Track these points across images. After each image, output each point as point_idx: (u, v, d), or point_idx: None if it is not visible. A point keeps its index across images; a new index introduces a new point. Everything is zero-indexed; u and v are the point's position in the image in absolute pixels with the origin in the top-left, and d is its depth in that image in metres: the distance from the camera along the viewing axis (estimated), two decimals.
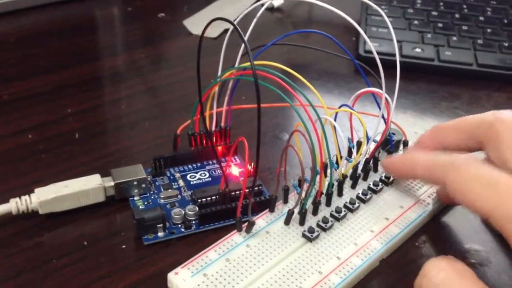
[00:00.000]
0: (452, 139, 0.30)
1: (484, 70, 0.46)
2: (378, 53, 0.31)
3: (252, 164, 0.31)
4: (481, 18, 0.52)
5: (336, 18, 0.30)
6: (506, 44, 0.48)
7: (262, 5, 0.32)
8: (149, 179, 0.33)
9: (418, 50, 0.47)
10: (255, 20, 0.31)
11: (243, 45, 0.31)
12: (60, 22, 0.51)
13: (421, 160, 0.30)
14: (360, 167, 0.32)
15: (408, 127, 0.35)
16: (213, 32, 0.50)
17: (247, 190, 0.28)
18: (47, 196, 0.30)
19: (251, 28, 0.31)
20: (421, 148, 0.32)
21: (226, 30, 0.50)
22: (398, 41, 0.48)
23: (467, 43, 0.48)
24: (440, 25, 0.50)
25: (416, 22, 0.51)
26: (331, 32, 0.33)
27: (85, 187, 0.30)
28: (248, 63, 0.27)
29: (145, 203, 0.32)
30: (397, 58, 0.31)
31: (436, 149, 0.31)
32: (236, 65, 0.31)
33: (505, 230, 0.24)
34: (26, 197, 0.30)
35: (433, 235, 0.31)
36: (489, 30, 0.50)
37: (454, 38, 0.49)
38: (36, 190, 0.30)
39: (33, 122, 0.38)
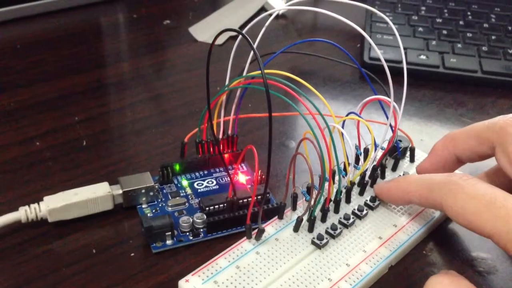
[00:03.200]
0: (464, 146, 0.30)
1: (489, 77, 0.46)
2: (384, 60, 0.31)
3: (260, 172, 0.32)
4: (486, 25, 0.52)
5: (340, 25, 0.30)
6: (510, 51, 0.48)
7: (270, 15, 0.32)
8: (157, 187, 0.33)
9: (423, 57, 0.47)
10: (263, 30, 0.31)
11: (251, 53, 0.31)
12: (66, 29, 0.52)
13: (414, 186, 0.29)
14: (368, 174, 0.32)
15: (414, 134, 0.36)
16: (219, 39, 0.50)
17: (256, 198, 0.29)
18: (56, 204, 0.30)
19: (259, 37, 0.31)
20: (434, 157, 0.31)
21: (231, 37, 0.50)
22: (403, 48, 0.48)
23: (471, 50, 0.48)
24: (444, 32, 0.51)
25: (420, 29, 0.51)
26: (335, 39, 0.33)
27: (94, 195, 0.31)
28: (257, 72, 0.27)
29: (153, 211, 0.32)
30: (404, 65, 0.31)
31: (449, 157, 0.31)
32: (245, 73, 0.32)
33: (509, 250, 0.24)
34: (35, 205, 0.30)
35: (440, 242, 0.31)
36: (493, 37, 0.50)
37: (459, 45, 0.49)
38: (45, 198, 0.30)
39: (41, 129, 0.38)
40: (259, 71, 0.26)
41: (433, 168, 0.31)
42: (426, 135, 0.40)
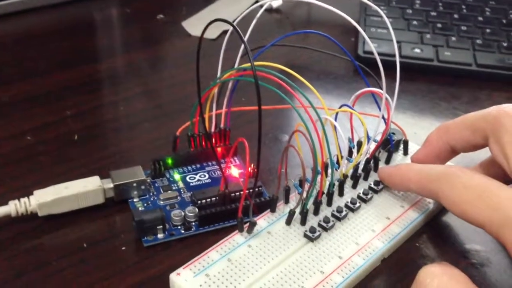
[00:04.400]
0: (458, 136, 0.30)
1: (483, 70, 0.46)
2: (377, 53, 0.31)
3: (252, 165, 0.31)
4: (480, 19, 0.52)
5: (334, 19, 0.30)
6: (505, 44, 0.48)
7: (261, 6, 0.32)
8: (148, 180, 0.33)
9: (417, 50, 0.47)
10: (254, 21, 0.31)
11: (242, 46, 0.31)
12: (59, 24, 0.51)
13: (414, 175, 0.30)
14: (361, 167, 0.32)
15: (407, 127, 0.35)
16: (212, 33, 0.50)
17: (247, 191, 0.28)
18: (46, 198, 0.30)
19: (250, 28, 0.31)
20: (429, 147, 0.32)
21: (224, 32, 0.50)
22: (397, 42, 0.48)
23: (466, 44, 0.48)
24: (439, 25, 0.51)
25: (415, 22, 0.51)
26: (330, 33, 0.33)
27: (84, 189, 0.30)
28: (248, 64, 0.27)
29: (145, 204, 0.31)
30: (397, 58, 0.31)
31: (443, 147, 0.31)
32: (236, 66, 0.31)
33: (501, 237, 0.24)
34: (25, 199, 0.30)
35: (434, 235, 0.31)
36: (488, 30, 0.50)
37: (453, 38, 0.49)
38: (35, 192, 0.30)
39: (32, 124, 0.38)
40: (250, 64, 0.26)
41: (427, 158, 0.32)
42: (420, 128, 0.40)
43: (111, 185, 0.31)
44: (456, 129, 0.30)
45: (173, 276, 0.26)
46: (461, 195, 0.26)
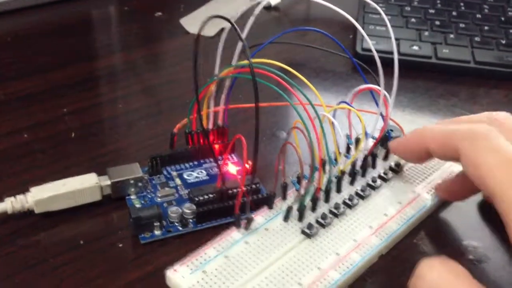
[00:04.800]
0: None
1: (482, 68, 0.46)
2: (376, 51, 0.31)
3: (250, 162, 0.31)
4: (478, 16, 0.52)
5: (333, 17, 0.30)
6: (503, 42, 0.48)
7: (260, 3, 0.32)
8: (146, 177, 0.33)
9: (415, 48, 0.47)
10: (252, 18, 0.31)
11: (240, 43, 0.30)
12: (57, 22, 0.51)
13: (435, 131, 0.28)
14: (359, 163, 0.32)
15: (406, 125, 0.35)
16: (210, 31, 0.50)
17: (245, 188, 0.28)
18: (43, 195, 0.29)
19: (248, 25, 0.30)
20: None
21: (223, 29, 0.50)
22: (395, 39, 0.48)
23: (464, 41, 0.48)
24: (437, 22, 0.50)
25: (413, 20, 0.51)
26: (328, 31, 0.33)
27: (81, 186, 0.30)
28: (246, 61, 0.27)
29: (142, 201, 0.31)
30: (395, 55, 0.31)
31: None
32: (233, 63, 0.31)
33: (507, 217, 0.23)
34: (22, 196, 0.30)
35: (431, 231, 0.31)
36: (486, 28, 0.50)
37: (451, 35, 0.49)
38: (32, 189, 0.30)
39: (29, 121, 0.38)
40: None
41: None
42: (419, 126, 0.39)
43: (108, 182, 0.31)
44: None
45: (170, 273, 0.26)
46: (482, 157, 0.24)
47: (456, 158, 0.27)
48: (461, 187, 0.31)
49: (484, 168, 0.24)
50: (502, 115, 0.28)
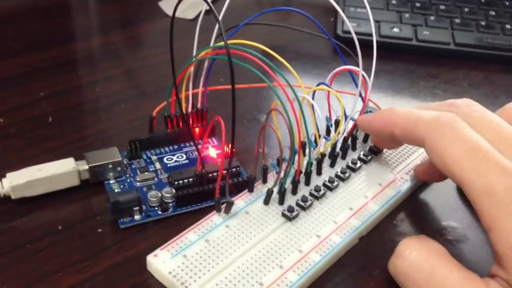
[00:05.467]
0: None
1: (461, 49, 0.46)
2: (357, 33, 0.30)
3: (229, 145, 0.31)
4: None
5: (314, 0, 0.29)
6: (483, 23, 0.48)
7: None
8: (125, 162, 0.32)
9: (396, 30, 0.47)
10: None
11: (216, 25, 0.30)
12: (33, 3, 0.50)
13: (399, 119, 0.28)
14: (339, 145, 0.32)
15: (386, 106, 0.35)
16: (190, 13, 0.49)
17: (224, 171, 0.28)
18: (20, 181, 0.29)
19: (225, 5, 0.30)
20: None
21: (201, 12, 0.49)
22: (376, 21, 0.48)
23: (444, 23, 0.48)
24: (417, 4, 0.50)
25: (394, 2, 0.51)
26: (309, 13, 0.32)
27: (59, 171, 0.30)
28: (223, 42, 0.26)
29: (121, 186, 0.31)
30: (374, 36, 0.31)
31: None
32: (211, 44, 0.31)
33: (477, 204, 0.24)
34: None
35: (411, 212, 0.31)
36: (466, 9, 0.50)
37: (432, 17, 0.49)
38: (8, 174, 0.29)
39: (5, 105, 0.37)
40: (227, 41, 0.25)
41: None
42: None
43: (86, 167, 0.30)
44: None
45: (150, 258, 0.26)
46: (448, 147, 0.24)
47: (420, 145, 0.27)
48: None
49: (450, 158, 0.24)
50: (464, 101, 0.28)
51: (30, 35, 0.46)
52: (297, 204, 0.29)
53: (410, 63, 0.46)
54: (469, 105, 0.27)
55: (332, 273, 0.28)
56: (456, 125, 0.25)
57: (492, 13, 0.50)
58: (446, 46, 0.46)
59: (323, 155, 0.31)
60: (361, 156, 0.33)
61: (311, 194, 0.30)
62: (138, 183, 0.31)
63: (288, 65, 0.29)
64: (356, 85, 0.32)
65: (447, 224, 0.31)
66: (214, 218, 0.28)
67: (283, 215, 0.29)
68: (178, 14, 0.50)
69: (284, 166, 0.29)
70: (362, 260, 0.28)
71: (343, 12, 0.48)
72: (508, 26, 0.48)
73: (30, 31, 0.46)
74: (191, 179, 0.30)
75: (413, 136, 0.27)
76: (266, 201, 0.29)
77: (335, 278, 0.27)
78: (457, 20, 0.48)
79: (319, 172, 0.31)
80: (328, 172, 0.32)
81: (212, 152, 0.33)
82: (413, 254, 0.25)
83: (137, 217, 0.29)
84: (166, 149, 0.34)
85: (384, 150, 0.34)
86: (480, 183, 0.23)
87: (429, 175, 0.32)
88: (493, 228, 0.23)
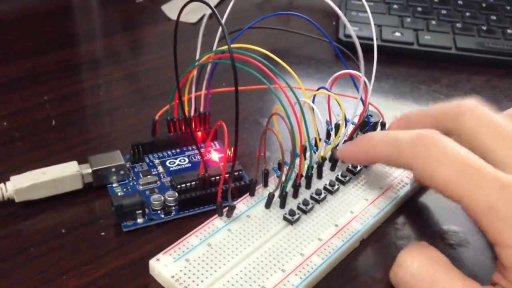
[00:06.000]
0: (419, 127, 0.28)
1: (463, 54, 0.46)
2: (358, 37, 0.30)
3: (232, 148, 0.31)
4: (460, 2, 0.52)
5: (316, 3, 0.30)
6: (484, 28, 0.48)
7: None
8: (128, 165, 0.32)
9: (397, 34, 0.47)
10: (232, 2, 0.31)
11: (220, 29, 0.30)
12: (36, 8, 0.50)
13: (381, 146, 0.28)
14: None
15: (388, 111, 0.35)
16: (192, 17, 0.49)
17: (226, 175, 0.28)
18: (23, 184, 0.29)
19: (228, 9, 0.30)
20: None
21: (205, 16, 0.50)
22: (377, 26, 0.48)
23: (446, 27, 0.48)
24: (419, 9, 0.51)
25: (395, 6, 0.51)
26: (312, 17, 0.32)
27: (62, 174, 0.30)
28: (226, 47, 0.26)
29: (124, 189, 0.31)
30: (374, 40, 0.31)
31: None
32: (214, 48, 0.31)
33: (481, 221, 0.24)
34: (2, 185, 0.29)
35: (412, 216, 0.32)
36: (467, 14, 0.50)
37: (433, 22, 0.49)
38: (12, 178, 0.30)
39: (9, 109, 0.37)
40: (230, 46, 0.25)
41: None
42: (400, 112, 0.39)
43: (90, 170, 0.31)
44: (417, 121, 0.29)
45: (152, 262, 0.26)
46: (436, 169, 0.24)
47: (408, 168, 0.27)
48: None
49: (443, 180, 0.24)
50: (470, 104, 0.27)
51: (33, 39, 0.46)
52: (298, 208, 0.29)
53: (411, 68, 0.46)
54: (477, 105, 0.27)
55: (333, 276, 0.28)
56: (439, 144, 0.24)
57: (493, 17, 0.50)
58: (448, 51, 0.46)
59: (323, 158, 0.32)
60: None
61: (312, 197, 0.30)
62: (141, 187, 0.31)
63: (290, 69, 0.29)
64: (357, 89, 0.32)
65: (448, 228, 0.31)
66: (216, 222, 0.28)
67: (285, 218, 0.29)
68: (180, 18, 0.50)
69: (285, 170, 0.29)
70: (363, 263, 0.29)
71: (345, 16, 0.49)
72: (509, 31, 0.48)
73: (34, 35, 0.47)
74: (193, 183, 0.31)
75: (399, 164, 0.27)
76: (268, 205, 0.29)
77: (337, 281, 0.28)
78: (459, 25, 0.49)
79: (319, 176, 0.32)
80: (328, 176, 0.32)
81: (214, 155, 0.33)
82: (415, 264, 0.25)
83: (140, 220, 0.29)
84: (169, 152, 0.34)
85: None
86: (479, 200, 0.23)
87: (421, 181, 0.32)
88: (500, 242, 0.23)
